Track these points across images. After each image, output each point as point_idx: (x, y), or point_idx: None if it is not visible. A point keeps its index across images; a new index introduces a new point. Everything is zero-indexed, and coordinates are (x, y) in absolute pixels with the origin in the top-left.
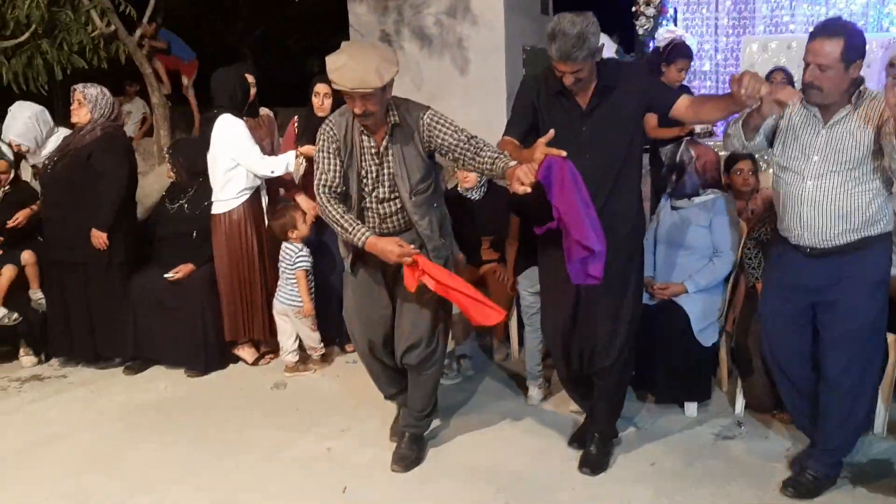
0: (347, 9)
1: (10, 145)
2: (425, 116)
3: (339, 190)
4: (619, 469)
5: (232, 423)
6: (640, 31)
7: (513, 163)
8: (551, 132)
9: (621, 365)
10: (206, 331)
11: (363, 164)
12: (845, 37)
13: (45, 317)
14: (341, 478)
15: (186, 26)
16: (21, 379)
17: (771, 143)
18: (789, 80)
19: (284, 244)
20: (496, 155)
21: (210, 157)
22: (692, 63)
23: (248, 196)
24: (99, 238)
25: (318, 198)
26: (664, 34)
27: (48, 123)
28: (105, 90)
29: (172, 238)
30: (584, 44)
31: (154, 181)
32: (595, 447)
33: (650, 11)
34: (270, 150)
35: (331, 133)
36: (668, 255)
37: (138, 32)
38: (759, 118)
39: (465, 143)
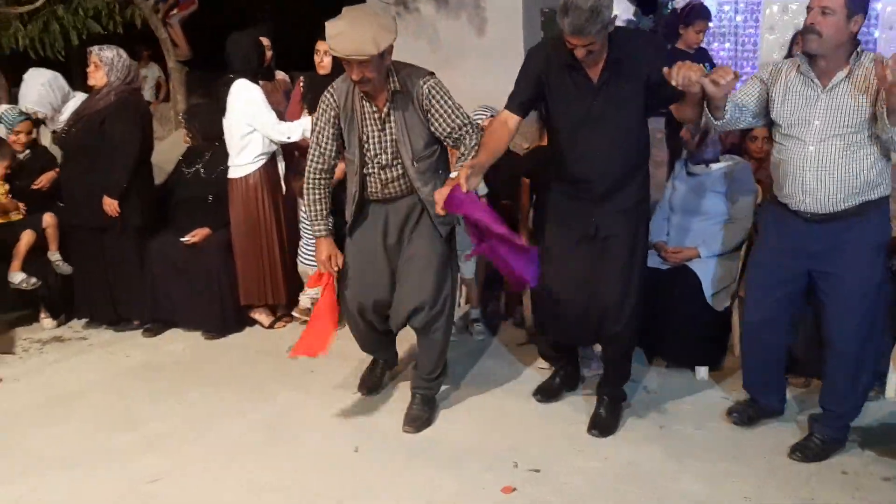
0: None
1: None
2: (425, 85)
3: (330, 163)
4: (628, 431)
5: (247, 385)
6: None
7: (453, 175)
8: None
9: (631, 330)
10: (222, 294)
11: (364, 129)
12: None
13: (64, 279)
14: (354, 439)
15: None
16: (42, 340)
17: (760, 116)
18: None
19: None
20: (462, 154)
21: (226, 122)
22: (711, 24)
23: (264, 161)
24: (111, 205)
25: (305, 174)
26: None
27: (63, 89)
28: (122, 52)
29: (189, 202)
30: (597, 17)
31: (171, 147)
32: (605, 410)
33: None
34: (284, 113)
35: (331, 101)
36: (682, 220)
37: None
38: (716, 99)
39: (450, 129)
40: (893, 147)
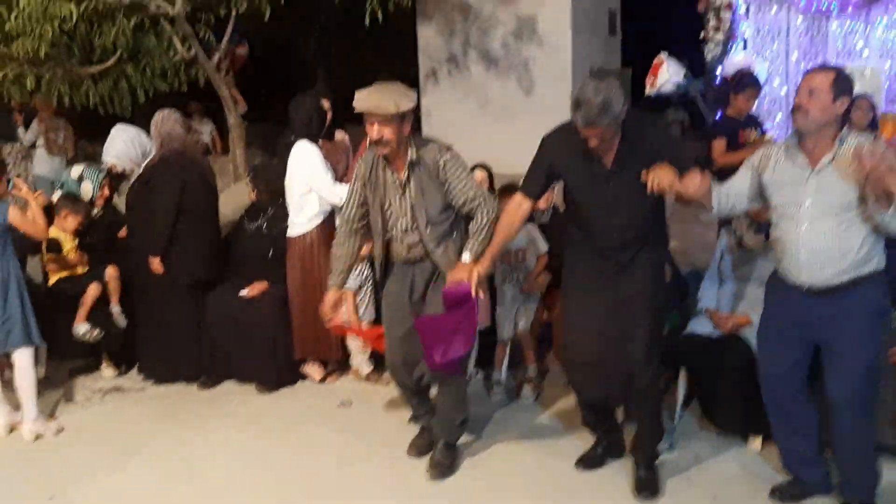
0: (416, 31)
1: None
2: (441, 159)
3: (355, 224)
4: (678, 498)
5: (302, 438)
6: (709, 57)
7: (465, 257)
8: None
9: (657, 384)
10: (276, 348)
11: (387, 196)
12: (836, 72)
13: (124, 330)
14: (402, 499)
15: (262, 46)
16: (102, 390)
17: (756, 200)
18: (872, 108)
19: None
20: (472, 231)
21: (287, 181)
22: (762, 90)
23: (321, 220)
24: (153, 263)
25: (338, 227)
26: (734, 60)
27: (144, 146)
28: (167, 115)
29: (249, 257)
30: (607, 110)
31: (229, 199)
32: (644, 470)
33: (719, 37)
34: (345, 172)
35: (358, 170)
36: (733, 287)
37: (216, 56)
38: (696, 197)
39: (464, 200)
40: (884, 230)
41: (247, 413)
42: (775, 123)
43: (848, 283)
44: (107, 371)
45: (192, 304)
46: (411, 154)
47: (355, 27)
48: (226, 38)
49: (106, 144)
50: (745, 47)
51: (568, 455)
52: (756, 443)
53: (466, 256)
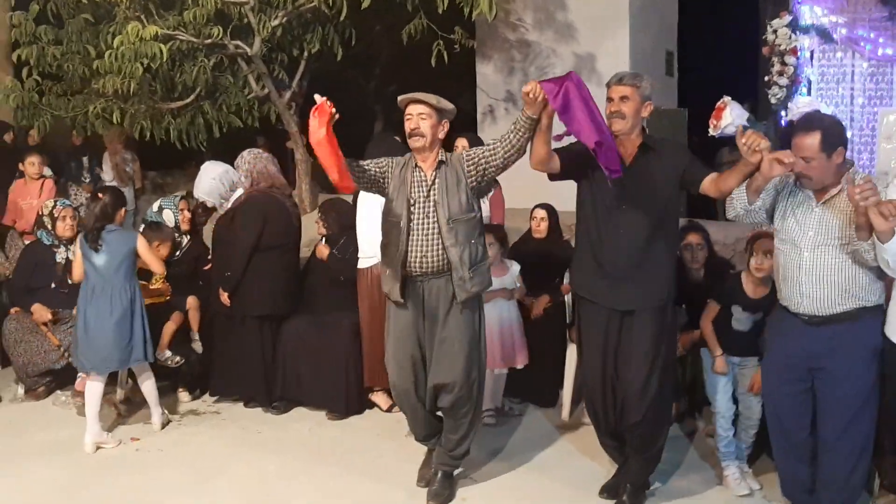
0: (476, 69)
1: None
2: (464, 153)
3: (361, 167)
4: None
5: (373, 468)
6: (773, 101)
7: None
8: None
9: (652, 420)
10: (348, 376)
11: (413, 193)
12: (821, 130)
13: (200, 357)
14: None
15: (328, 84)
16: (179, 413)
17: (770, 218)
18: None
19: None
20: (510, 131)
21: (358, 215)
22: None
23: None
24: (222, 297)
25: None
26: (799, 104)
27: (232, 182)
28: (259, 154)
29: (322, 283)
30: (637, 77)
31: None
32: (628, 497)
33: (783, 81)
34: None
35: (388, 163)
36: None
37: (287, 94)
38: (761, 179)
39: (493, 144)
40: (866, 258)
41: (319, 440)
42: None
43: (847, 314)
44: (182, 395)
45: (267, 333)
46: (441, 156)
47: (414, 66)
48: (297, 77)
49: (196, 181)
50: (808, 91)
51: (570, 481)
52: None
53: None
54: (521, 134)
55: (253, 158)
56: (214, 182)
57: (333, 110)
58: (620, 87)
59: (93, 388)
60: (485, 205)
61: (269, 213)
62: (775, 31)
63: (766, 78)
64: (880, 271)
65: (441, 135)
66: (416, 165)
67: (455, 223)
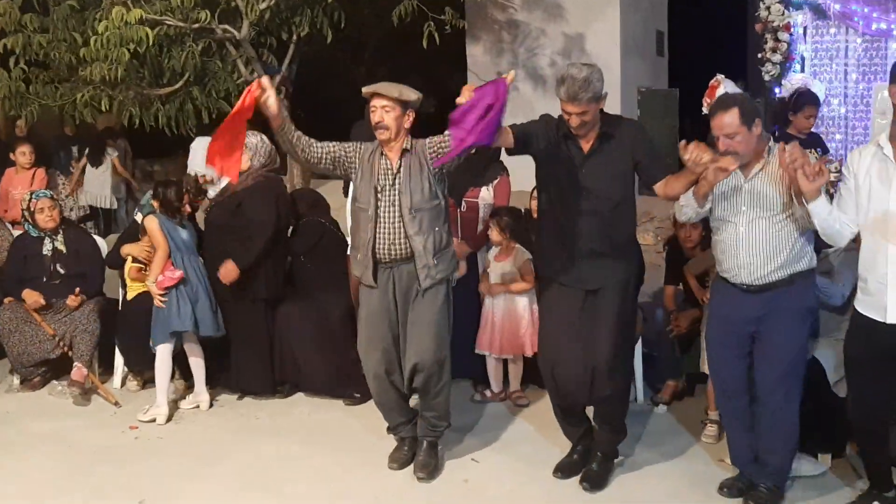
0: (466, 50)
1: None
2: (427, 140)
3: (321, 151)
4: None
5: (372, 450)
6: (767, 78)
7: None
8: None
9: (621, 393)
10: (344, 361)
11: (380, 180)
12: (737, 105)
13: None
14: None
15: (318, 69)
16: (177, 401)
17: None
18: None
19: None
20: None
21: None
22: (820, 110)
23: None
24: (230, 273)
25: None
26: (792, 81)
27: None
28: (265, 138)
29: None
30: (588, 86)
31: None
32: (597, 465)
33: (777, 58)
34: None
35: (356, 148)
36: None
37: (276, 79)
38: (706, 186)
39: (444, 134)
40: (809, 222)
41: (318, 424)
42: (837, 141)
43: (782, 280)
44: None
45: (265, 318)
46: (406, 143)
47: (404, 49)
48: (287, 61)
49: (190, 158)
50: (802, 68)
51: (546, 463)
52: (826, 460)
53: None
54: None
55: (260, 139)
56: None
57: (257, 92)
58: (572, 105)
59: (164, 356)
60: (489, 191)
61: (280, 196)
62: (768, 8)
63: (760, 55)
64: (811, 236)
65: (406, 124)
66: (382, 153)
67: (418, 212)
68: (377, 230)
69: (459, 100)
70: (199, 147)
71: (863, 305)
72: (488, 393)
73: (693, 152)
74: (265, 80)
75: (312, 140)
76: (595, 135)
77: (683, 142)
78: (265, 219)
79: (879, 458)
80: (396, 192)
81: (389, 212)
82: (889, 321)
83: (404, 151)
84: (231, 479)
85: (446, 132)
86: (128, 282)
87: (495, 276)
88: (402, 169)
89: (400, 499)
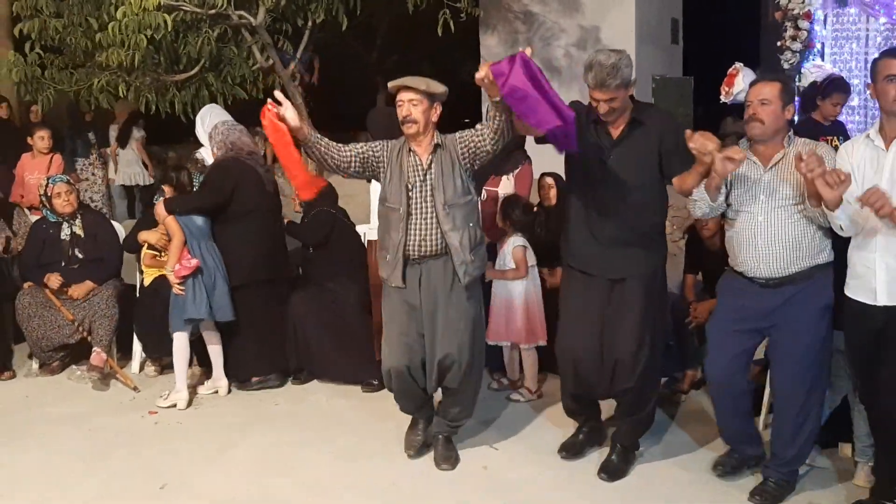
0: (479, 40)
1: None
2: (458, 135)
3: (344, 149)
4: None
5: (390, 436)
6: (786, 66)
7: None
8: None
9: (644, 385)
10: (361, 348)
11: (410, 178)
12: (782, 82)
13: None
14: (496, 494)
15: (331, 55)
16: (196, 387)
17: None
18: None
19: None
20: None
21: (371, 188)
22: (849, 97)
23: None
24: (158, 211)
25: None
26: (811, 69)
27: (203, 121)
28: (232, 127)
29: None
30: (617, 73)
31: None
32: (617, 457)
33: (796, 46)
34: None
35: (383, 149)
36: None
37: (292, 66)
38: (717, 178)
39: (480, 128)
40: (818, 221)
41: (335, 410)
42: (856, 127)
43: (802, 274)
44: (195, 368)
45: (273, 304)
46: (437, 139)
47: (416, 37)
48: (301, 47)
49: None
50: (822, 56)
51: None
52: (846, 450)
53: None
54: (498, 118)
55: (227, 129)
56: (198, 119)
57: (275, 110)
58: (600, 92)
59: (182, 343)
60: (510, 181)
61: (239, 173)
62: None
63: (779, 43)
64: (830, 230)
65: (434, 118)
66: (410, 150)
67: (451, 208)
68: (409, 228)
69: (479, 75)
70: (206, 114)
71: (853, 290)
72: (505, 381)
73: (698, 141)
74: (277, 94)
75: (340, 145)
76: (625, 121)
77: (689, 131)
78: (208, 193)
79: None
80: (429, 187)
81: (422, 208)
82: (879, 303)
83: (436, 147)
84: (249, 464)
85: (477, 125)
86: (143, 268)
87: (508, 258)
88: (433, 165)
89: (419, 484)
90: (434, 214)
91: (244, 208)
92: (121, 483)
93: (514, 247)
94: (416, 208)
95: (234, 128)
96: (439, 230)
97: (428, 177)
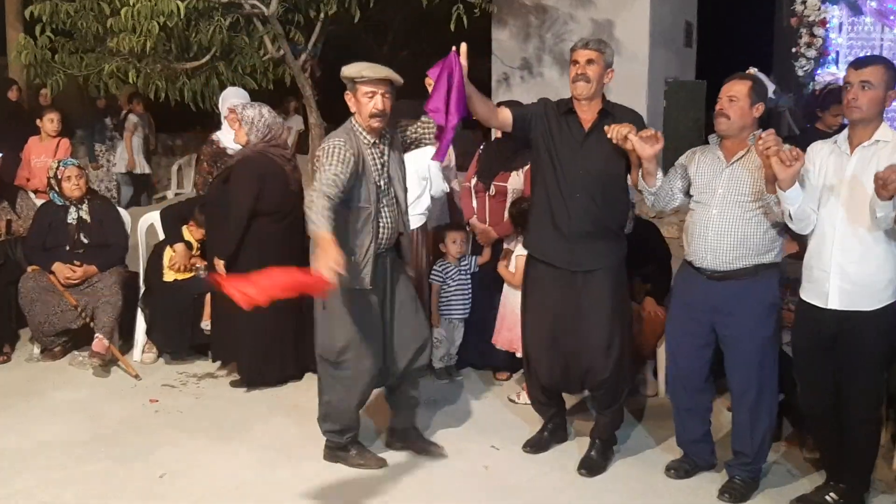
0: (491, 35)
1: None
2: (396, 125)
3: (337, 200)
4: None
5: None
6: (800, 73)
7: None
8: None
9: (617, 377)
10: None
11: (374, 173)
12: (753, 81)
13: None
14: (497, 494)
15: (342, 48)
16: (197, 375)
17: (687, 193)
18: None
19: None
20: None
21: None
22: None
23: (423, 220)
24: (218, 266)
25: (318, 196)
26: (826, 76)
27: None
28: (264, 112)
29: None
30: (601, 44)
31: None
32: (596, 452)
33: (811, 53)
34: None
35: (348, 148)
36: None
37: (303, 57)
38: (645, 162)
39: (417, 121)
40: (773, 218)
41: None
42: None
43: (747, 270)
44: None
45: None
46: (388, 131)
47: (427, 31)
48: (313, 39)
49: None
50: (836, 63)
51: (565, 452)
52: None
53: None
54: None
55: (273, 121)
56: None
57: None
58: (586, 50)
59: None
60: (519, 177)
61: (265, 175)
62: (804, 2)
63: (794, 49)
64: (781, 230)
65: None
66: (373, 143)
67: (405, 192)
68: (380, 225)
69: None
70: (230, 95)
71: (807, 293)
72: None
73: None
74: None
75: (333, 203)
76: (595, 111)
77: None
78: (241, 199)
79: (833, 447)
80: (387, 177)
81: (386, 201)
82: (830, 307)
83: (384, 136)
84: (250, 454)
85: (422, 118)
86: (165, 268)
87: (513, 265)
88: (388, 154)
89: (420, 481)
90: (395, 202)
91: (268, 208)
92: (122, 470)
93: (517, 255)
94: (383, 201)
95: (277, 120)
96: (400, 219)
97: (385, 168)
